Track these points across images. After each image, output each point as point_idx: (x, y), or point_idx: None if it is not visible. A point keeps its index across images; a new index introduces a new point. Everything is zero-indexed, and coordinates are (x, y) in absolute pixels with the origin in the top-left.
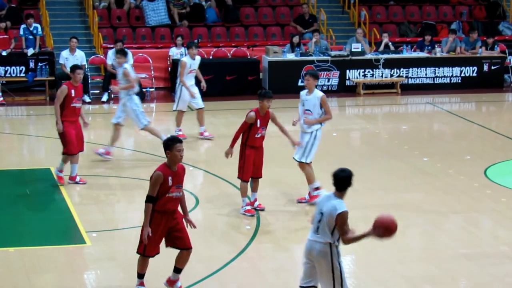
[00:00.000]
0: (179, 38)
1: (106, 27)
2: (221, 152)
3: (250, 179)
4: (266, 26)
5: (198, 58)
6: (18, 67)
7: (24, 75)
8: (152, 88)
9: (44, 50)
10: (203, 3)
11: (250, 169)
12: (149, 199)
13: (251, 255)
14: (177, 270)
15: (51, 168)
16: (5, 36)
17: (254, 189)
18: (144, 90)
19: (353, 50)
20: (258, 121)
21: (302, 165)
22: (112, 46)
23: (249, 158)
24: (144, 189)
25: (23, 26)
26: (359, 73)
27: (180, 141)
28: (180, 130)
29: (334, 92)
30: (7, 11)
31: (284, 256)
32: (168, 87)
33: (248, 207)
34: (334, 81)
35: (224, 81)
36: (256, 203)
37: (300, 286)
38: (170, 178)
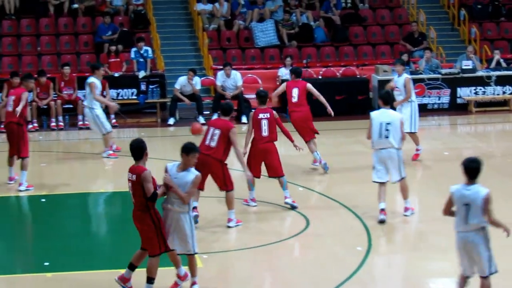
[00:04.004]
0: (288, 59)
1: (216, 49)
2: (332, 173)
3: None
4: (375, 45)
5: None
6: (129, 90)
7: (135, 97)
8: None
9: (155, 72)
10: (312, 23)
11: None
12: None
13: (363, 277)
14: None
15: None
16: (117, 59)
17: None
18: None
19: (463, 67)
20: None
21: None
22: (221, 67)
23: None
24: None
25: (134, 49)
26: (470, 91)
27: None
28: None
29: (445, 110)
30: (119, 34)
31: (399, 278)
32: (277, 107)
33: None
34: (445, 99)
35: (334, 101)
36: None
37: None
38: None
